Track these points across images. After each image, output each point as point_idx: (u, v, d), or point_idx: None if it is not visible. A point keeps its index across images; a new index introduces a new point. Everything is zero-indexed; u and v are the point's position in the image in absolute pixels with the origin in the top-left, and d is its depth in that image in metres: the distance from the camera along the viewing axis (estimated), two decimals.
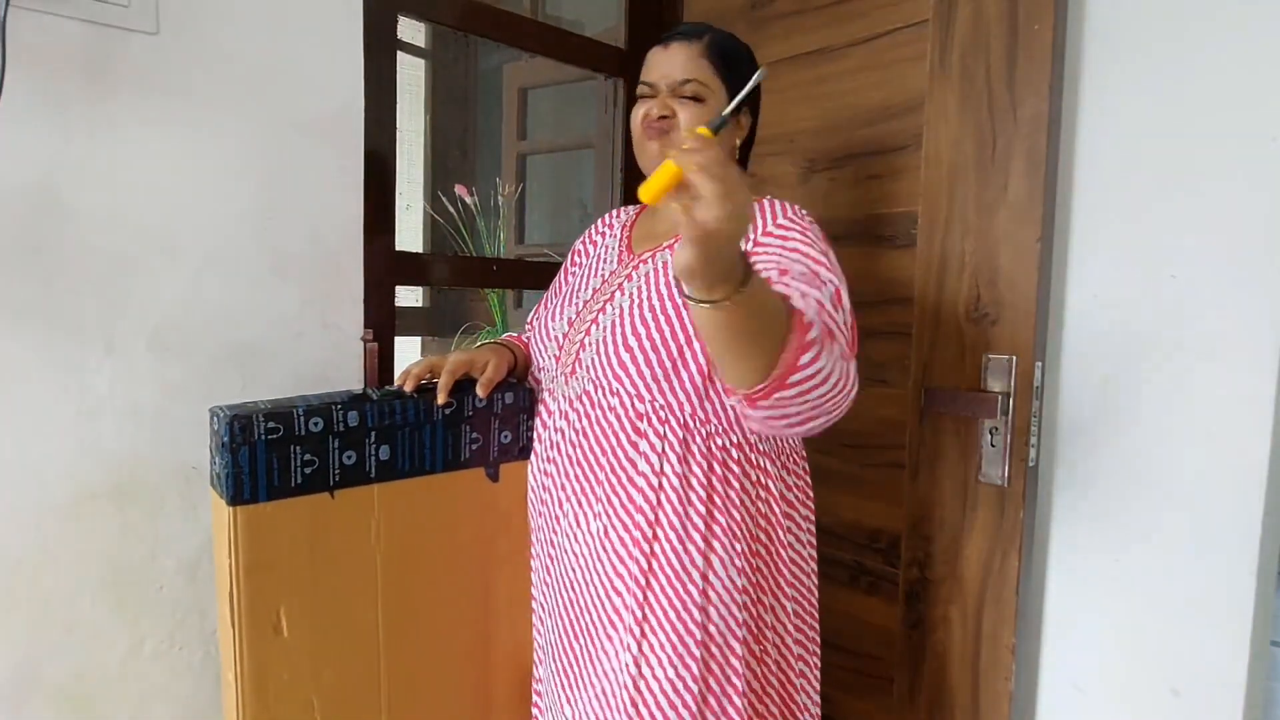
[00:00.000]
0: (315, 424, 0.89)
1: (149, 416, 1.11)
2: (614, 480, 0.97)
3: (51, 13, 1.00)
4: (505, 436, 1.03)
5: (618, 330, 0.97)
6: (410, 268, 1.64)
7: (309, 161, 1.23)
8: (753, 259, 0.83)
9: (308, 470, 0.89)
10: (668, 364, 0.94)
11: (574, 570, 1.01)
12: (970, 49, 1.23)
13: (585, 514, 0.98)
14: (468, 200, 2.60)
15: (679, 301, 0.94)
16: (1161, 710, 1.14)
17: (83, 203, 1.04)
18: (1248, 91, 1.04)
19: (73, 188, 1.04)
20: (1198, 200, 1.08)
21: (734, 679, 0.95)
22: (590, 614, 0.99)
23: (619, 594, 0.95)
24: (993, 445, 1.21)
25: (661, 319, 0.95)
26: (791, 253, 0.94)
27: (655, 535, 0.95)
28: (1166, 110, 1.11)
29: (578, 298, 1.10)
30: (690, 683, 0.93)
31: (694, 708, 0.93)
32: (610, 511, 0.97)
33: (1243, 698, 1.07)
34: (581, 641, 1.00)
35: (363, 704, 0.97)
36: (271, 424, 0.86)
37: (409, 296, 3.23)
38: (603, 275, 1.10)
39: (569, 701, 1.01)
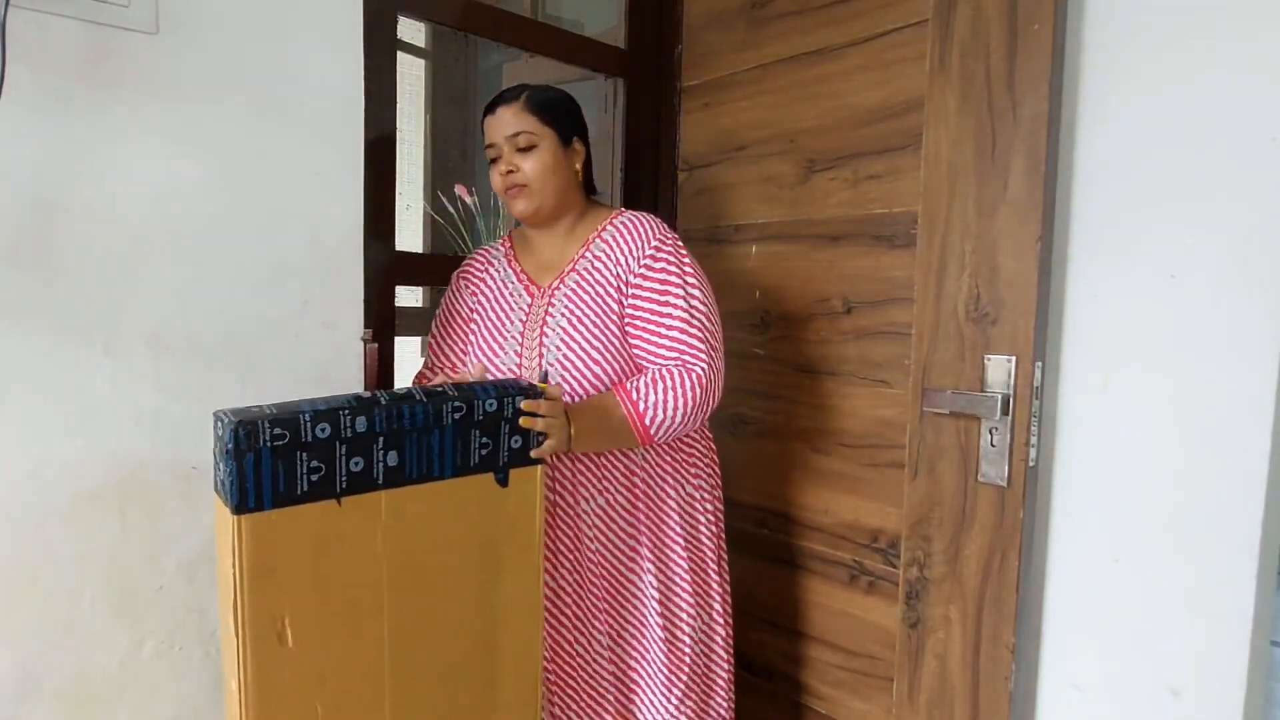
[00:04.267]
0: (322, 430, 0.87)
1: (149, 416, 1.11)
2: (605, 462, 1.27)
3: (51, 13, 1.00)
4: (515, 441, 1.02)
5: (576, 352, 1.24)
6: (410, 268, 1.64)
7: (309, 161, 1.23)
8: (629, 308, 1.25)
9: (314, 477, 0.88)
10: (618, 375, 1.24)
11: (600, 540, 1.27)
12: (970, 49, 1.23)
13: (592, 492, 1.26)
14: (468, 200, 2.60)
15: (605, 329, 1.25)
16: (1161, 710, 1.14)
17: (82, 202, 1.04)
18: (1248, 91, 1.04)
19: (73, 188, 1.03)
20: (1198, 200, 1.08)
21: (715, 594, 1.36)
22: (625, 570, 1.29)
23: (639, 548, 1.30)
24: (993, 445, 1.21)
25: (605, 343, 1.24)
26: (664, 308, 1.23)
27: (648, 498, 1.29)
28: (1166, 110, 1.11)
29: (507, 330, 1.31)
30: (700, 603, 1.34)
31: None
32: (611, 489, 1.27)
33: (1243, 698, 1.07)
34: (624, 600, 1.29)
35: (367, 713, 0.96)
36: (277, 430, 0.84)
37: (409, 296, 3.23)
38: (521, 308, 1.31)
39: (639, 659, 1.30)
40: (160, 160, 1.10)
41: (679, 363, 1.22)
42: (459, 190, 2.60)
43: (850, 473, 1.50)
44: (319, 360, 1.26)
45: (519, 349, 1.28)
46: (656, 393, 1.18)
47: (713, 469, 1.39)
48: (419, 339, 3.27)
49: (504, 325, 1.31)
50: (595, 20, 2.51)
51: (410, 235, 3.12)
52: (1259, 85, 1.03)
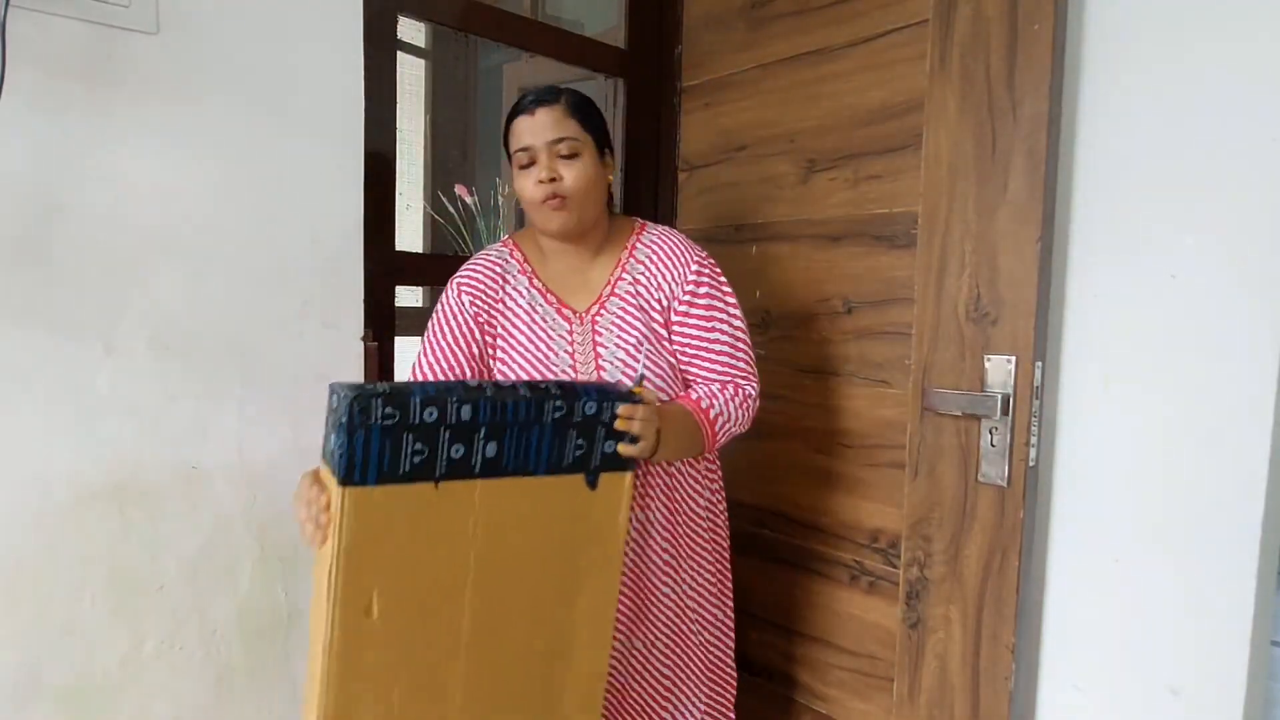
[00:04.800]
0: (430, 414, 0.89)
1: (149, 416, 1.11)
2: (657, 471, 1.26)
3: (51, 13, 1.00)
4: (609, 446, 1.02)
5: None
6: (410, 268, 1.64)
7: (309, 161, 1.23)
8: (676, 332, 1.24)
9: (417, 459, 0.89)
10: (673, 398, 1.24)
11: (665, 558, 1.27)
12: (970, 49, 1.23)
13: (657, 503, 1.26)
14: (468, 200, 2.60)
15: (660, 356, 1.24)
16: (1161, 710, 1.14)
17: (83, 203, 1.04)
18: (1248, 91, 1.04)
19: (73, 188, 1.04)
20: (1198, 200, 1.08)
21: (727, 597, 1.40)
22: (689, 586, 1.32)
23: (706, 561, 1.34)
24: (993, 445, 1.21)
25: (664, 370, 1.23)
26: (711, 333, 1.24)
27: (683, 508, 1.29)
28: (1166, 109, 1.11)
29: (555, 361, 1.22)
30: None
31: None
32: (655, 503, 1.26)
33: (1243, 698, 1.07)
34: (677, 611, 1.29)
35: (438, 694, 0.98)
36: (389, 410, 0.86)
37: (409, 296, 3.22)
38: (562, 336, 1.23)
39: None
40: (160, 160, 1.10)
41: (731, 382, 1.24)
42: (459, 190, 2.60)
43: (851, 473, 1.50)
44: (319, 360, 1.26)
45: (571, 374, 1.22)
46: (721, 402, 1.21)
47: (720, 473, 1.40)
48: (419, 339, 3.27)
49: (550, 356, 1.21)
50: (595, 20, 2.51)
51: (410, 235, 3.12)
52: (1259, 85, 1.03)
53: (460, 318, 1.24)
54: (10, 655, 1.03)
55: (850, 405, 1.50)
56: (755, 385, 1.26)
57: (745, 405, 1.24)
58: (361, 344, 1.31)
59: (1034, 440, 1.19)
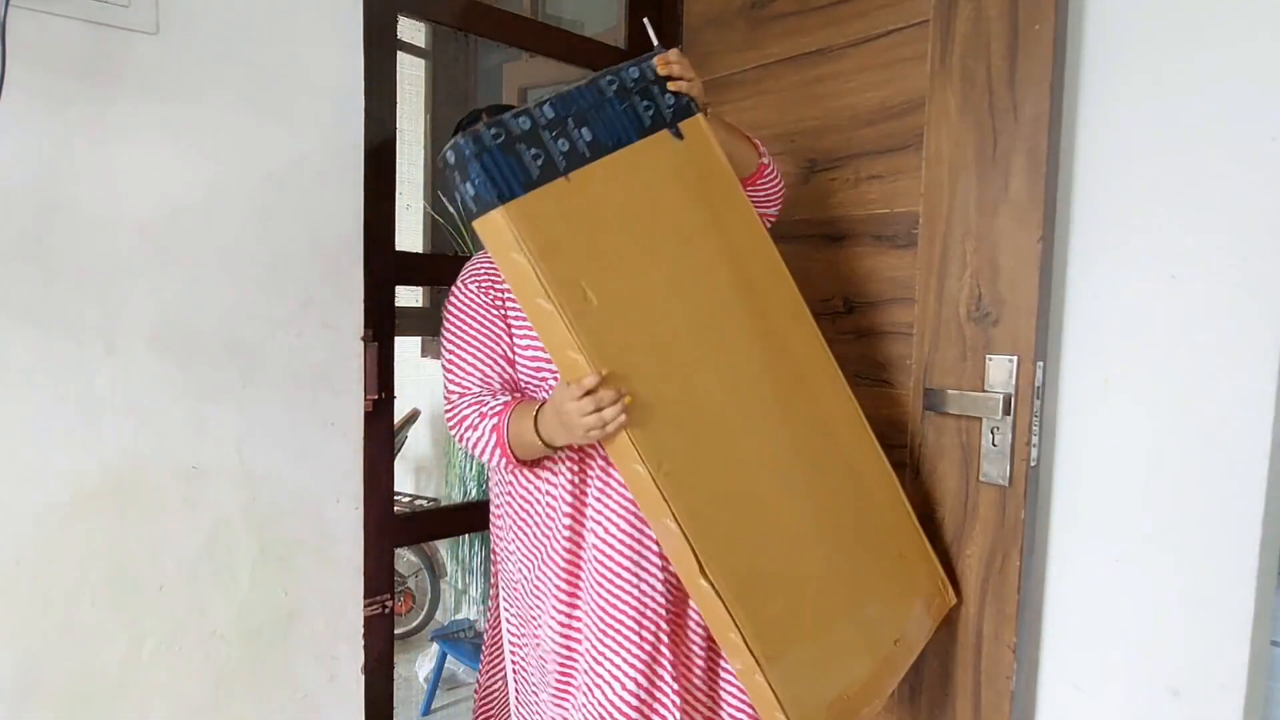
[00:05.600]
0: (524, 122, 0.98)
1: (149, 416, 1.11)
2: None
3: (51, 13, 1.00)
4: (669, 99, 1.12)
5: None
6: (410, 268, 1.64)
7: (309, 161, 1.23)
8: None
9: (539, 162, 0.98)
10: None
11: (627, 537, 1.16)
12: (971, 49, 1.23)
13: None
14: None
15: None
16: (1161, 710, 1.14)
17: (83, 203, 1.04)
18: (1248, 91, 1.04)
19: (73, 188, 1.03)
20: (1198, 200, 1.08)
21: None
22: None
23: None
24: (994, 445, 1.21)
25: None
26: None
27: None
28: (1167, 110, 1.11)
29: None
30: None
31: None
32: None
33: (1243, 698, 1.07)
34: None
35: (678, 346, 1.06)
36: (494, 131, 0.95)
37: (409, 296, 3.22)
38: None
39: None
40: (160, 160, 1.10)
41: None
42: None
43: None
44: (319, 360, 1.26)
45: None
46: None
47: None
48: (419, 339, 3.27)
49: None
50: (595, 20, 2.51)
51: (410, 235, 3.12)
52: (1259, 85, 1.03)
53: (477, 306, 1.19)
54: (10, 655, 1.03)
55: None
56: None
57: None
58: (361, 344, 1.31)
59: (1035, 440, 1.19)
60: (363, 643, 1.34)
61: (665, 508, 0.99)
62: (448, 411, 1.18)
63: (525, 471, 1.19)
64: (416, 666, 2.75)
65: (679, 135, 1.12)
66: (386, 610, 1.41)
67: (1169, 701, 1.13)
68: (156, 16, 1.08)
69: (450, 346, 1.19)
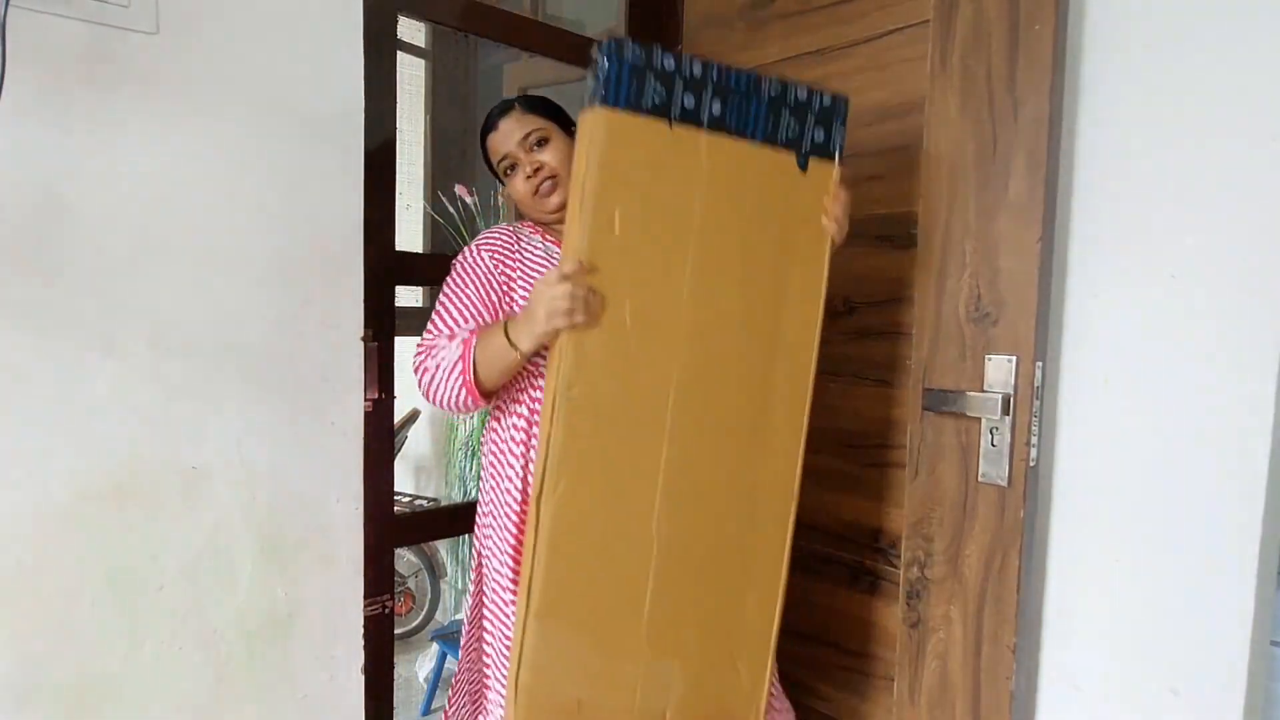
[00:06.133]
0: (669, 63, 1.03)
1: (149, 416, 1.11)
2: None
3: (51, 13, 1.00)
4: (819, 134, 1.14)
5: None
6: (410, 268, 1.64)
7: (309, 161, 1.23)
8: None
9: (656, 99, 1.03)
10: None
11: None
12: (971, 49, 1.23)
13: None
14: (468, 200, 2.60)
15: None
16: (1161, 710, 1.14)
17: (83, 203, 1.04)
18: (1248, 92, 1.04)
19: (73, 188, 1.03)
20: (1197, 200, 1.08)
21: None
22: None
23: None
24: (993, 445, 1.21)
25: None
26: None
27: None
28: (1167, 110, 1.11)
29: None
30: None
31: None
32: None
33: (1243, 698, 1.07)
34: None
35: (664, 330, 1.09)
36: (637, 52, 1.01)
37: (409, 296, 3.22)
38: None
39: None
40: (160, 160, 1.10)
41: None
42: (459, 190, 2.60)
43: (851, 472, 1.50)
44: (319, 360, 1.26)
45: None
46: None
47: None
48: (418, 337, 3.26)
49: None
50: (595, 20, 2.51)
51: (410, 235, 3.11)
52: (1259, 85, 1.03)
53: (482, 269, 1.27)
54: (10, 655, 1.03)
55: (851, 405, 1.50)
56: None
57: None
58: (361, 344, 1.31)
59: (1034, 440, 1.19)
60: (363, 643, 1.34)
61: (549, 422, 1.03)
62: (419, 346, 1.25)
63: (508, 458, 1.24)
64: (416, 666, 2.75)
65: (804, 168, 1.13)
66: (386, 610, 1.42)
67: (1169, 701, 1.13)
68: (156, 16, 1.08)
69: (446, 296, 1.28)
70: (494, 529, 1.26)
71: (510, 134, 1.26)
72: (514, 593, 1.19)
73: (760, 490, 1.18)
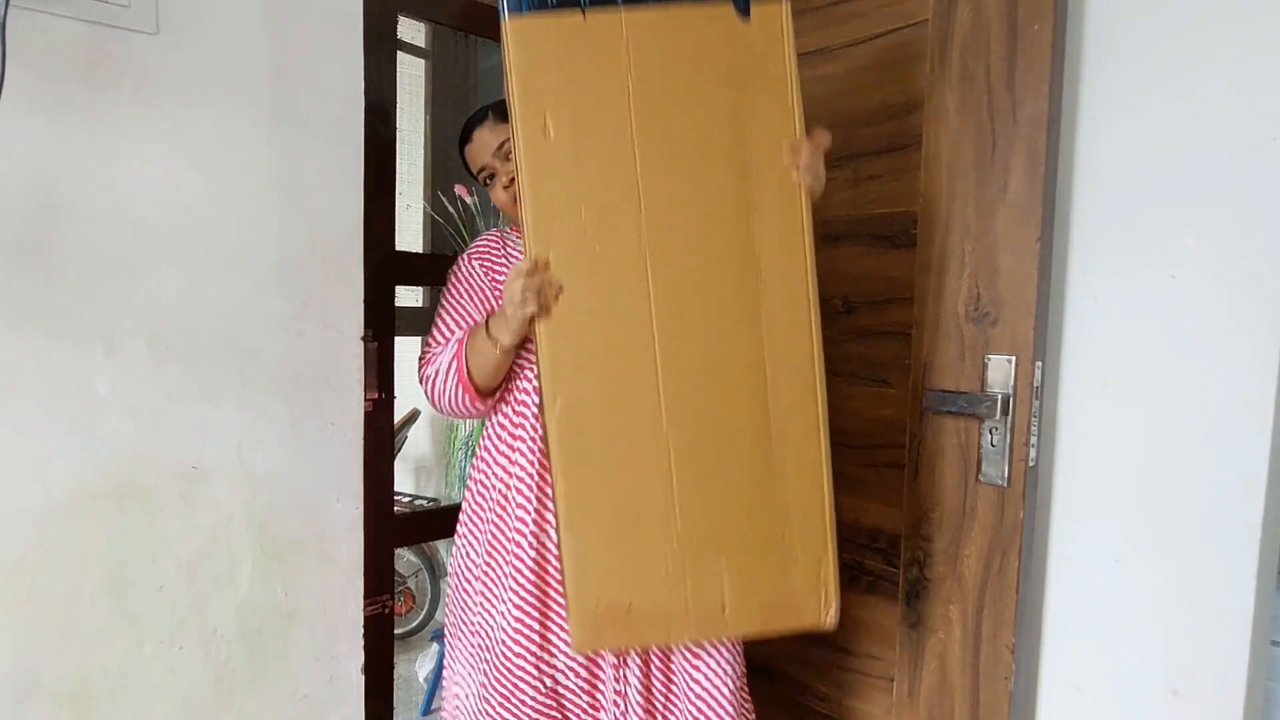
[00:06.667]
0: None
1: (149, 416, 1.11)
2: None
3: (51, 13, 1.00)
4: None
5: None
6: (410, 268, 1.65)
7: (309, 161, 1.23)
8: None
9: None
10: None
11: None
12: (970, 49, 1.23)
13: None
14: (468, 200, 2.60)
15: None
16: (1161, 710, 1.14)
17: (83, 203, 1.04)
18: (1248, 91, 1.04)
19: (73, 188, 1.03)
20: (1198, 200, 1.08)
21: None
22: None
23: None
24: (993, 445, 1.21)
25: None
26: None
27: None
28: (1166, 110, 1.11)
29: None
30: None
31: None
32: None
33: (1243, 698, 1.07)
34: None
35: (624, 221, 1.05)
36: None
37: (409, 296, 3.22)
38: None
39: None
40: (160, 160, 1.10)
41: None
42: (459, 190, 2.60)
43: (850, 473, 1.50)
44: (319, 360, 1.26)
45: None
46: None
47: None
48: (419, 339, 3.27)
49: None
50: None
51: (410, 235, 3.12)
52: (1259, 85, 1.03)
53: (475, 278, 1.33)
54: (10, 655, 1.03)
55: (850, 405, 1.50)
56: None
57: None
58: (361, 344, 1.31)
59: (1034, 440, 1.19)
60: (363, 643, 1.34)
61: (537, 343, 1.05)
62: (421, 359, 1.32)
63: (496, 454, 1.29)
64: (416, 666, 2.75)
65: (745, 12, 1.05)
66: (386, 610, 1.42)
67: (1169, 701, 1.13)
68: (156, 16, 1.08)
69: (442, 307, 1.35)
70: (479, 503, 1.32)
71: (486, 144, 1.28)
72: (482, 580, 1.28)
73: (774, 372, 1.09)
